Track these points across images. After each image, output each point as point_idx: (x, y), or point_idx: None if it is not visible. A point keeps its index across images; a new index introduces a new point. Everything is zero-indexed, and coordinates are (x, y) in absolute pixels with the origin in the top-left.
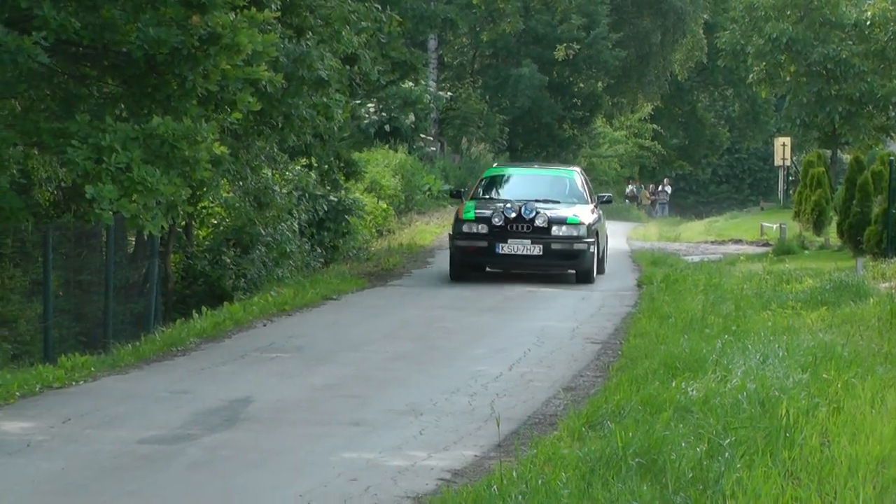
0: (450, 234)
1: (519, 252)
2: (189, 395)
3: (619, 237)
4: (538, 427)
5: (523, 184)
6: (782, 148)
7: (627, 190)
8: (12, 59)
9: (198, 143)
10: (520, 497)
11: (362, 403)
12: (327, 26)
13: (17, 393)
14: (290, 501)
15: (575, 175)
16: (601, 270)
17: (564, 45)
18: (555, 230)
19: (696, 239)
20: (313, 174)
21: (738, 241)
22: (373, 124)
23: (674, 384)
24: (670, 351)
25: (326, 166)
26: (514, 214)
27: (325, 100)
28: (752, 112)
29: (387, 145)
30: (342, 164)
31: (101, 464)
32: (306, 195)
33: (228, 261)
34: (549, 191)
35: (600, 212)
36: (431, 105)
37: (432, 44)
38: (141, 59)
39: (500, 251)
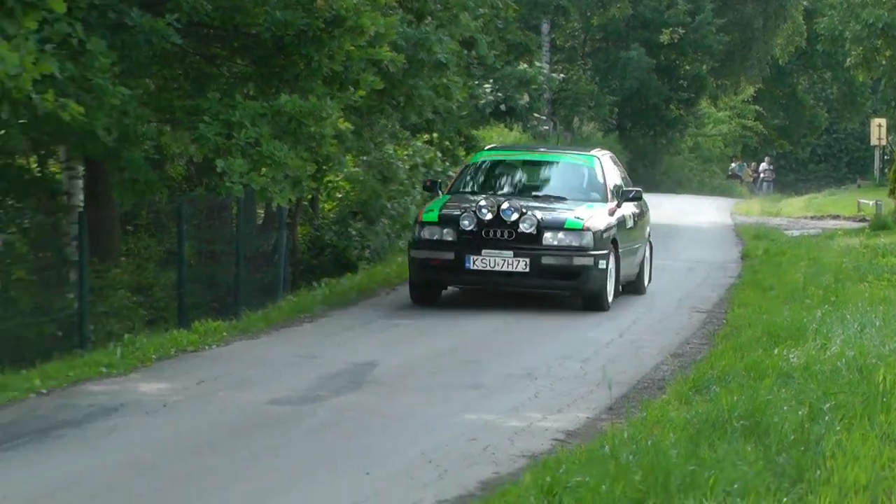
0: (408, 243)
1: (497, 268)
2: (316, 360)
3: (723, 212)
4: (647, 391)
5: (523, 173)
6: (878, 128)
7: (730, 168)
8: (147, 39)
9: (323, 120)
10: (630, 457)
11: (480, 368)
12: (446, 11)
13: (154, 356)
14: (414, 460)
15: (595, 162)
16: (639, 290)
17: (671, 29)
18: (547, 238)
19: (796, 214)
20: (434, 150)
21: (836, 217)
22: (489, 104)
23: (776, 351)
24: (773, 320)
25: (447, 141)
26: (490, 216)
27: (444, 81)
28: (850, 94)
29: (502, 124)
30: (462, 139)
31: (234, 423)
32: (430, 171)
33: (354, 232)
34: (558, 183)
35: (630, 212)
36: (545, 86)
37: (545, 28)
38: (269, 41)
39: (472, 266)
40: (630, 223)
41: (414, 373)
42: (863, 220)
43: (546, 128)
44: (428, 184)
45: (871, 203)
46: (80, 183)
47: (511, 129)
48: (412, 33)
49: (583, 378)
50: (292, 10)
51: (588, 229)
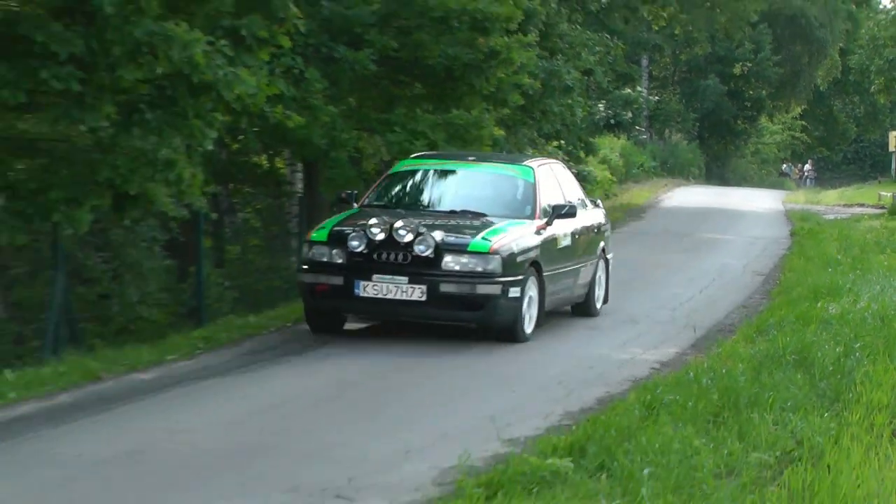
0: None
1: (389, 295)
2: None
3: (777, 201)
4: (721, 333)
5: (445, 185)
6: (895, 139)
7: (782, 168)
8: (350, 68)
9: (481, 129)
10: (709, 381)
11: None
12: (571, 49)
13: None
14: (547, 381)
15: (531, 174)
16: (589, 312)
17: (740, 63)
18: (448, 262)
19: (832, 203)
20: (561, 152)
21: (862, 205)
22: (602, 118)
23: (818, 305)
24: (815, 281)
25: (571, 147)
26: (382, 236)
27: (569, 101)
28: (873, 113)
29: (612, 134)
30: (583, 144)
31: (416, 353)
32: None
33: None
34: (482, 197)
35: (565, 230)
36: (644, 105)
37: (644, 62)
38: (441, 70)
39: (361, 293)
40: (565, 242)
41: (548, 317)
42: (882, 207)
43: (644, 136)
44: (343, 195)
45: (888, 195)
46: (300, 175)
47: (618, 138)
48: (547, 65)
49: (672, 323)
50: (460, 47)
51: (496, 252)
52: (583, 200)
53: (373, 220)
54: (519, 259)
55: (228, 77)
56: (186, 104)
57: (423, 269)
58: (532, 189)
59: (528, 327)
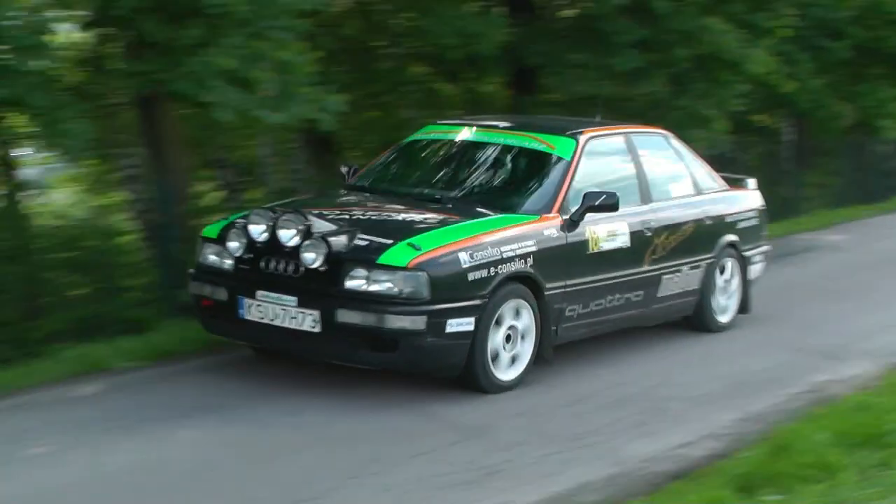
0: None
1: (276, 321)
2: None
3: None
4: None
5: (452, 162)
6: None
7: None
8: (831, 53)
9: None
10: None
11: None
12: None
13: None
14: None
15: (574, 150)
16: (705, 325)
17: None
18: (352, 280)
19: None
20: None
21: None
22: None
23: None
24: None
25: None
26: (265, 235)
27: None
28: None
29: None
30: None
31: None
32: None
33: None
34: (491, 180)
35: (611, 228)
36: None
37: None
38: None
39: (245, 314)
40: (614, 242)
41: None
42: None
43: None
44: (343, 169)
45: None
46: (791, 130)
47: None
48: None
49: None
50: None
51: (418, 267)
52: (696, 184)
53: (255, 213)
54: (474, 276)
55: (748, 55)
56: (718, 76)
57: (319, 286)
58: (564, 170)
59: (512, 372)
